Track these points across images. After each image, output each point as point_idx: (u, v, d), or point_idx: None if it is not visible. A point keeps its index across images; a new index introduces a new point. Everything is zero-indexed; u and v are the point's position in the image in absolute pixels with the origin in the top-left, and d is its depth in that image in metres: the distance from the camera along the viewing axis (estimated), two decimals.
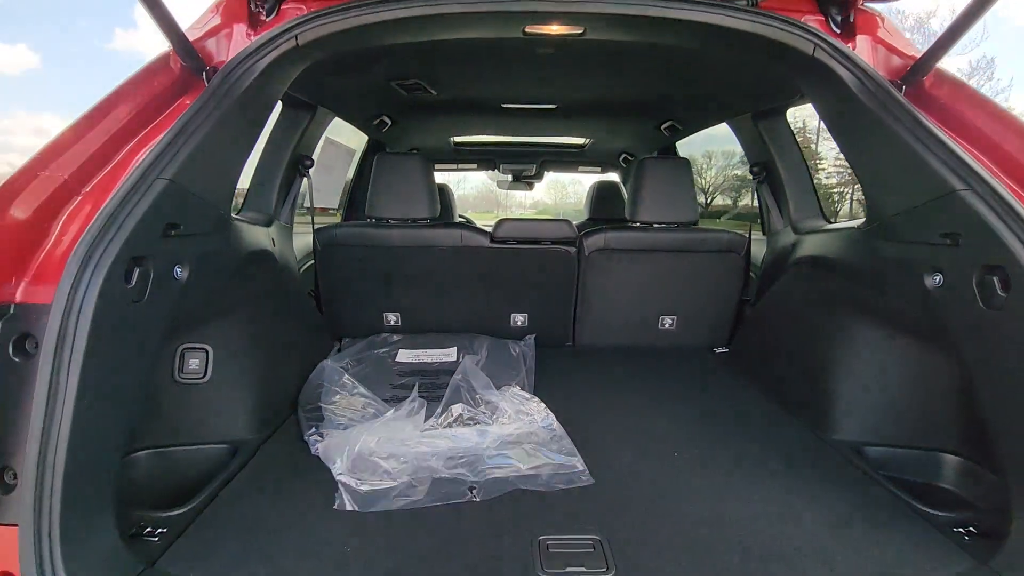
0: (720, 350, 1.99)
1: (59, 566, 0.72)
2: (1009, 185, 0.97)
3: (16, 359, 0.77)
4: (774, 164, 1.95)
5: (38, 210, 0.84)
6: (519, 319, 1.99)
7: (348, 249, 1.89)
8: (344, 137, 2.78)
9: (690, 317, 1.99)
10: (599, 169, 3.89)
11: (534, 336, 1.92)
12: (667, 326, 2.01)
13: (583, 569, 0.84)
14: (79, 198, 0.90)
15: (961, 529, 0.97)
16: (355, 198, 2.89)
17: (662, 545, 0.92)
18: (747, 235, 2.01)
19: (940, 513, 1.01)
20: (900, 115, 1.09)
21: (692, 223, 1.94)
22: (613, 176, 3.80)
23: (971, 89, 1.12)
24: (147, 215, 0.88)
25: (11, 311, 0.78)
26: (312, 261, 2.03)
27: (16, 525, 0.73)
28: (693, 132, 2.64)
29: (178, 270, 1.00)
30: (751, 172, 2.04)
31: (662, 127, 2.61)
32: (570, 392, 1.60)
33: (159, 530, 0.93)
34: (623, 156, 3.45)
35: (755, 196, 2.10)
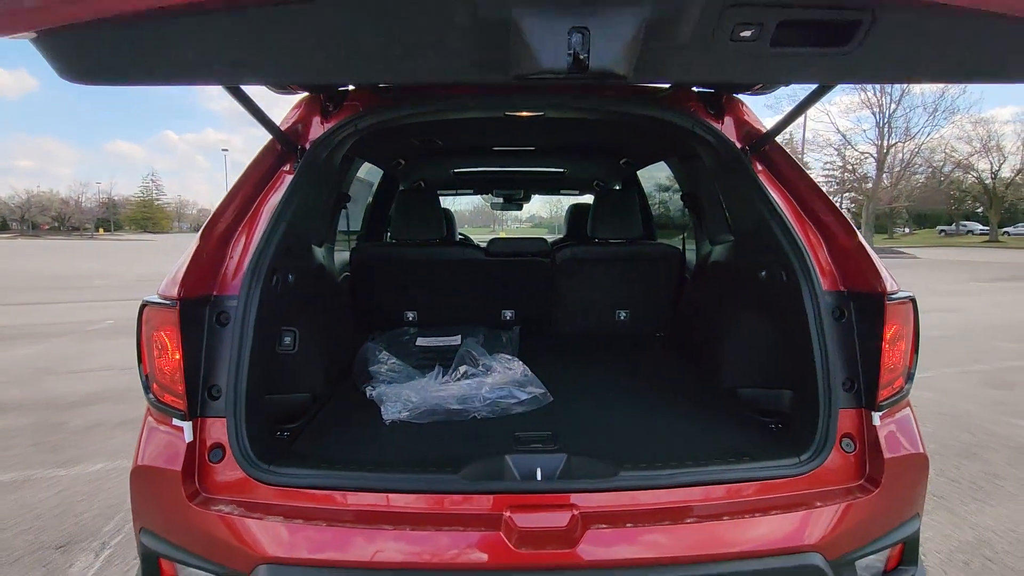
0: (660, 334, 2.59)
1: (246, 441, 1.30)
2: (800, 216, 1.58)
3: (217, 326, 1.35)
4: (697, 194, 2.57)
5: (220, 241, 1.44)
6: (508, 314, 2.60)
7: (378, 263, 2.49)
8: (364, 171, 3.40)
9: (638, 310, 2.60)
10: (578, 192, 4.54)
11: (519, 327, 2.52)
12: (621, 318, 2.61)
13: (540, 446, 1.43)
14: (237, 232, 1.49)
15: (774, 427, 1.56)
16: (374, 221, 3.51)
17: (592, 436, 1.52)
18: (682, 247, 2.63)
19: (767, 419, 1.60)
20: (743, 170, 1.70)
21: (637, 238, 2.55)
22: (587, 199, 4.44)
23: (791, 157, 1.73)
24: (278, 243, 1.48)
25: (212, 299, 1.37)
26: (347, 273, 2.63)
27: (224, 417, 1.30)
28: (644, 167, 3.29)
29: (290, 277, 1.60)
30: (681, 199, 2.67)
31: (621, 162, 3.26)
32: (546, 364, 2.19)
33: (285, 434, 1.51)
34: (596, 182, 4.09)
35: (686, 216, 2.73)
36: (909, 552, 1.31)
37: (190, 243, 1.38)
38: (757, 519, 1.18)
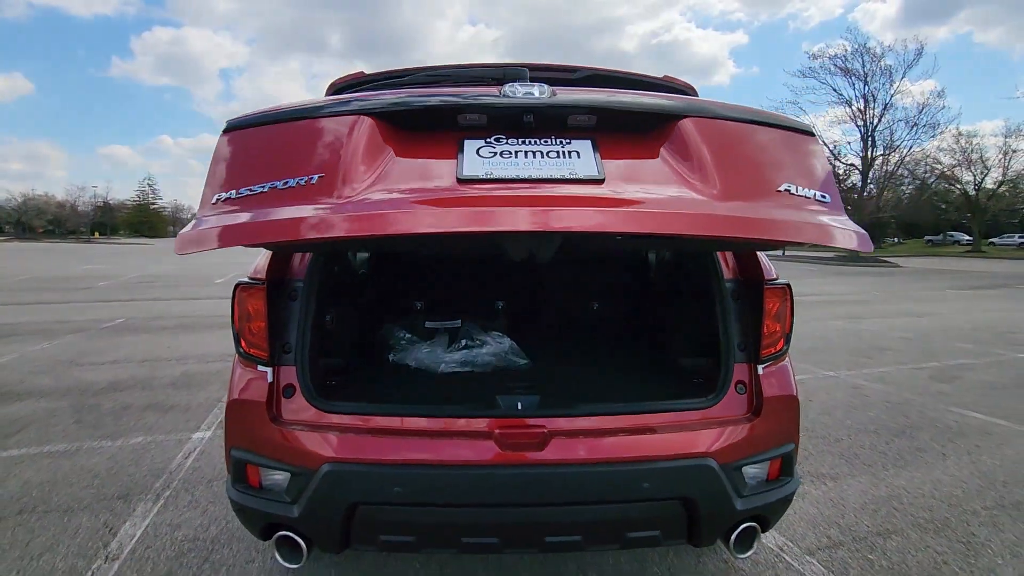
0: (627, 321, 3.12)
1: (309, 383, 1.79)
2: None
3: (289, 300, 1.85)
4: None
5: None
6: (499, 304, 3.11)
7: (393, 261, 3.01)
8: None
9: (608, 301, 3.13)
10: None
11: (508, 314, 3.04)
12: (595, 308, 3.13)
13: (521, 392, 1.92)
14: None
15: (698, 381, 2.08)
16: None
17: (563, 386, 2.03)
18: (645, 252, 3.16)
19: (694, 374, 2.12)
20: None
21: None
22: None
23: None
24: (330, 246, 1.99)
25: (286, 280, 1.87)
26: (363, 270, 3.14)
27: (293, 366, 1.80)
28: None
29: (336, 268, 2.11)
30: None
31: None
32: (530, 342, 2.71)
33: (333, 384, 2.02)
34: None
35: None
36: (786, 467, 1.82)
37: None
38: (672, 435, 1.69)
